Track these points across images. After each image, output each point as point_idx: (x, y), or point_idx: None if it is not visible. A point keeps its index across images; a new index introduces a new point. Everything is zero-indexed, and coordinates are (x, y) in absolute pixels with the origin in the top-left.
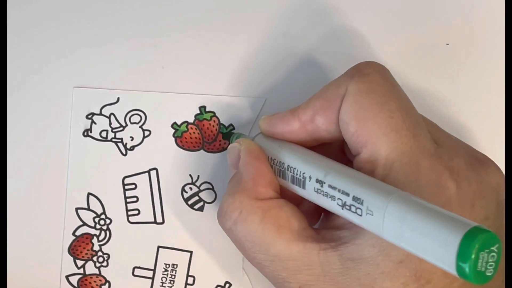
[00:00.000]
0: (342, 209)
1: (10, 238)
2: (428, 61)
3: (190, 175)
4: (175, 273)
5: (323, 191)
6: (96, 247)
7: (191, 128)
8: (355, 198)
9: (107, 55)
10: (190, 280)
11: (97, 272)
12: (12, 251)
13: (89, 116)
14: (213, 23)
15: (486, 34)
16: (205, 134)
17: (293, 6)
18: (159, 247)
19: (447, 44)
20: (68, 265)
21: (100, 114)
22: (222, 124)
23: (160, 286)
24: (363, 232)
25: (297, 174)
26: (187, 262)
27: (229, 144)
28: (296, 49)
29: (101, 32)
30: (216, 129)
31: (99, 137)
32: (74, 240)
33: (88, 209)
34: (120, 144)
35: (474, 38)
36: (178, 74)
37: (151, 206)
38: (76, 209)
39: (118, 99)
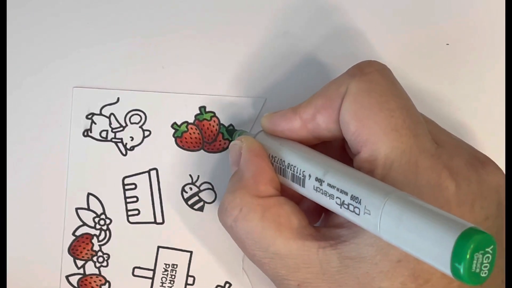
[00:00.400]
0: (341, 208)
1: (10, 238)
2: (428, 61)
3: (190, 175)
4: (175, 273)
5: (322, 189)
6: (96, 247)
7: (191, 128)
8: (353, 197)
9: (107, 55)
10: (190, 280)
11: (97, 272)
12: (12, 251)
13: (89, 116)
14: (213, 23)
15: (486, 34)
16: (205, 134)
17: (293, 6)
18: (159, 247)
19: (447, 44)
20: (68, 265)
21: (100, 114)
22: (222, 124)
23: (160, 286)
24: (362, 231)
25: (297, 172)
26: (187, 262)
27: (231, 140)
28: (296, 48)
29: (101, 32)
30: (216, 129)
31: (99, 137)
32: (74, 240)
33: (88, 209)
34: (120, 144)
35: (474, 38)
36: (178, 74)
37: (151, 206)
38: (76, 209)
39: (118, 99)
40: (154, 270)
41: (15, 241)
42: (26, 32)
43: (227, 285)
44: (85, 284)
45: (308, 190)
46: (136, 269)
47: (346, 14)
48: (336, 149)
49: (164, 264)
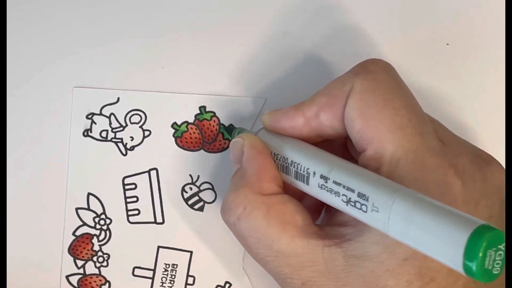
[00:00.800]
0: (347, 205)
1: (10, 238)
2: (428, 61)
3: (190, 175)
4: (175, 273)
5: (327, 187)
6: (96, 247)
7: (191, 128)
8: (360, 195)
9: (107, 55)
10: (190, 280)
11: (97, 272)
12: (12, 251)
13: (89, 116)
14: (213, 23)
15: (486, 34)
16: (205, 134)
17: (293, 6)
18: (159, 247)
19: (447, 44)
20: (68, 265)
21: (100, 114)
22: (222, 124)
23: (160, 286)
24: (368, 229)
25: (300, 170)
26: (187, 262)
27: (231, 139)
28: (296, 48)
29: (101, 32)
30: (216, 129)
31: (99, 137)
32: (74, 240)
33: (88, 209)
34: (120, 144)
35: (474, 38)
36: (178, 74)
37: (151, 206)
38: (76, 209)
39: (118, 99)
40: (154, 270)
41: (15, 241)
42: (26, 32)
43: (227, 285)
44: (85, 284)
45: (312, 188)
46: (136, 269)
47: (345, 14)
48: (338, 147)
49: (164, 264)
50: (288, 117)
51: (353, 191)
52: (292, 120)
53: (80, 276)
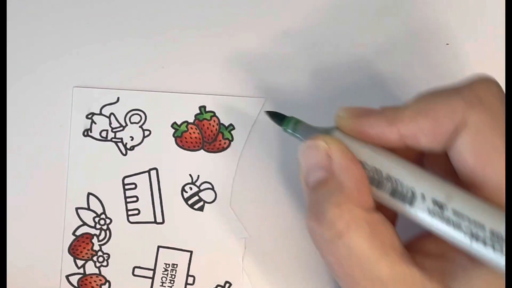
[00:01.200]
0: (471, 241)
1: (10, 238)
2: (428, 61)
3: (190, 175)
4: (175, 273)
5: (443, 215)
6: (96, 247)
7: (191, 128)
8: (494, 233)
9: (107, 55)
10: (190, 280)
11: (97, 272)
12: (12, 251)
13: (89, 116)
14: (213, 23)
15: (486, 34)
16: (205, 134)
17: (293, 6)
18: (159, 247)
19: (447, 44)
20: (68, 265)
21: (100, 114)
22: (222, 124)
23: (160, 286)
24: (478, 269)
25: (402, 188)
26: (187, 262)
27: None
28: (296, 48)
29: (101, 32)
30: (216, 129)
31: (99, 137)
32: (74, 240)
33: (88, 209)
34: (120, 144)
35: (474, 38)
36: (178, 74)
37: (151, 206)
38: (76, 209)
39: (118, 99)
40: (154, 270)
41: (15, 241)
42: (26, 32)
43: (227, 285)
44: (85, 284)
45: (417, 212)
46: (136, 269)
47: (346, 14)
48: (409, 157)
49: (164, 263)
50: (377, 127)
51: (483, 227)
52: (383, 133)
53: (80, 276)
